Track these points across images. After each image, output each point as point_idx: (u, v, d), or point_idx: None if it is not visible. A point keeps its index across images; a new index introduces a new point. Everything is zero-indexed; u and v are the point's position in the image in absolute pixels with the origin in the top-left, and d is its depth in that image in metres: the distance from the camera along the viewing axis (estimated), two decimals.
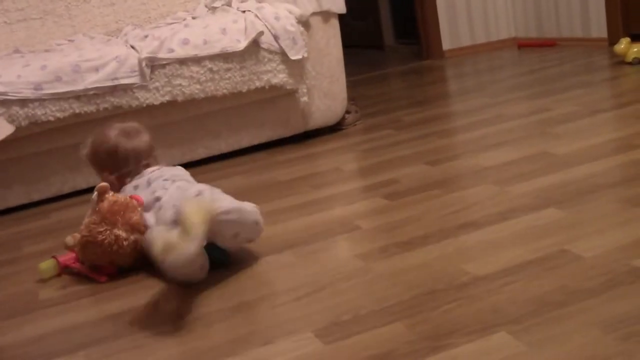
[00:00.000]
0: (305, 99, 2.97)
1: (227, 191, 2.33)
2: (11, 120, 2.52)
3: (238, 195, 2.35)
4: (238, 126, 2.96)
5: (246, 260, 1.80)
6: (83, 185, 2.79)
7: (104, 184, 1.84)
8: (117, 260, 1.81)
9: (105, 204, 1.80)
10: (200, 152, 2.94)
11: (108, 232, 1.77)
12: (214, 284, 1.68)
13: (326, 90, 3.05)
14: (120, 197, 1.85)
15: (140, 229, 1.80)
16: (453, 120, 2.99)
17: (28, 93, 2.54)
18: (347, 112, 3.23)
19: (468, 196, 1.98)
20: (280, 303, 1.52)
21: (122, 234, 1.78)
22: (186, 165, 2.89)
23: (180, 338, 1.44)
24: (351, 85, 3.86)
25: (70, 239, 1.85)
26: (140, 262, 1.82)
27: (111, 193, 1.84)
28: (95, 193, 1.84)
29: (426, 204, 1.97)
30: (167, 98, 2.75)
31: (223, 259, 1.79)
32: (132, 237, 1.79)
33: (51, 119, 2.59)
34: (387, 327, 1.33)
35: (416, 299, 1.43)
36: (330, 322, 1.39)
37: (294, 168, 2.65)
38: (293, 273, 1.67)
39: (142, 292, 1.71)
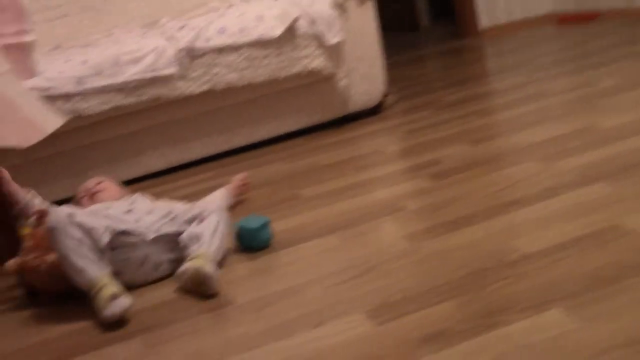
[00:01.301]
0: (343, 83, 2.96)
1: (270, 176, 2.34)
2: None
3: (281, 180, 2.36)
4: (277, 113, 2.96)
5: (292, 244, 1.80)
6: (124, 177, 2.81)
7: (41, 208, 1.83)
8: (54, 285, 1.76)
9: (40, 230, 1.77)
10: (241, 140, 2.95)
11: (41, 258, 1.73)
12: (262, 269, 1.70)
13: (364, 74, 3.04)
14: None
15: None
16: (493, 99, 2.96)
17: (71, 87, 2.57)
18: (386, 94, 3.22)
19: (513, 174, 1.96)
20: (330, 285, 1.52)
21: (54, 260, 1.70)
22: (227, 154, 2.93)
23: (232, 322, 1.45)
24: (389, 68, 3.83)
25: (11, 263, 1.76)
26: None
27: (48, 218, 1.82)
28: (33, 217, 1.83)
29: (471, 183, 1.96)
30: (205, 87, 2.77)
31: (267, 244, 1.80)
32: None
33: (93, 112, 2.62)
34: (437, 306, 1.33)
35: (466, 277, 1.42)
36: (381, 303, 1.39)
37: (335, 152, 2.65)
38: (340, 255, 1.67)
39: None
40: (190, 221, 1.80)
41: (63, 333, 1.59)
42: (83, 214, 1.68)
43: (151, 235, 1.74)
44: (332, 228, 1.86)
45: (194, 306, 1.58)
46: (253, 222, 1.81)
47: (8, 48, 1.70)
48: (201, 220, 1.77)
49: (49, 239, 1.65)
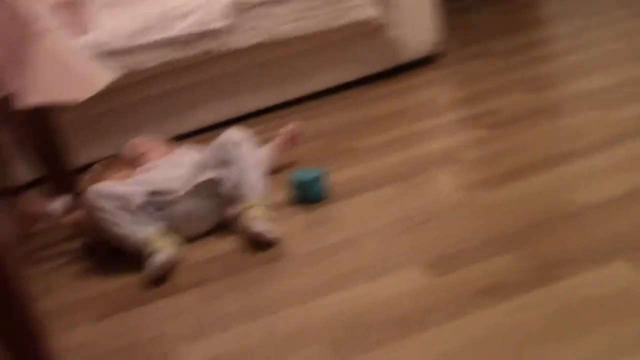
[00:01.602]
0: (395, 32, 2.90)
1: (324, 128, 2.32)
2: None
3: (335, 132, 2.34)
4: (329, 64, 2.93)
5: (348, 196, 1.79)
6: (178, 131, 2.83)
7: (111, 159, 1.84)
8: (108, 242, 1.76)
9: (103, 177, 1.80)
10: (292, 93, 2.93)
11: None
12: (317, 221, 1.69)
13: (417, 22, 2.97)
14: (122, 174, 1.82)
15: None
16: (552, 45, 2.87)
17: (122, 43, 2.58)
18: (440, 42, 3.15)
19: (572, 123, 1.90)
20: (386, 237, 1.51)
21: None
22: (279, 107, 2.92)
23: (288, 275, 1.46)
24: (443, 15, 3.74)
25: (69, 217, 1.82)
26: None
27: (113, 170, 1.84)
28: (98, 165, 1.84)
29: (529, 133, 1.91)
30: (255, 40, 2.74)
31: (322, 196, 1.80)
32: None
33: (145, 67, 2.63)
34: (494, 259, 1.31)
35: (524, 230, 1.39)
36: (437, 256, 1.38)
37: (389, 103, 2.62)
38: (396, 207, 1.66)
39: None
40: (220, 165, 1.78)
41: (118, 286, 1.62)
42: (110, 185, 1.69)
43: (185, 189, 1.76)
44: (388, 179, 1.84)
45: (249, 258, 1.58)
46: (307, 174, 1.81)
47: (60, 5, 1.70)
48: (227, 163, 1.76)
49: (93, 214, 1.68)
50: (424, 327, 1.16)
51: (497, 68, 2.70)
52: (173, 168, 1.84)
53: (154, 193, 1.73)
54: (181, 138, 2.80)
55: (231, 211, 1.73)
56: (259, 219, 1.64)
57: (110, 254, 1.78)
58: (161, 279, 1.58)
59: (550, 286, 1.18)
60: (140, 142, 2.05)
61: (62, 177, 1.81)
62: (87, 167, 2.01)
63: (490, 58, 2.89)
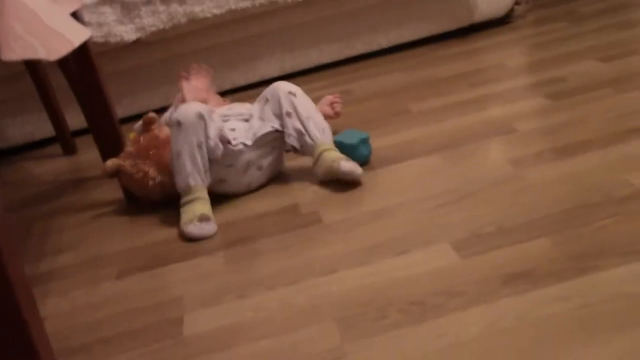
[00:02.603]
0: None
1: (384, 88, 2.23)
2: (170, 18, 2.54)
3: (394, 92, 2.26)
4: (398, 20, 2.82)
5: (392, 162, 1.72)
6: (242, 81, 2.79)
7: (151, 114, 1.78)
8: (147, 195, 1.76)
9: (145, 138, 1.74)
10: (359, 48, 2.84)
11: (138, 166, 1.72)
12: (356, 188, 1.62)
13: None
14: (164, 132, 1.75)
15: (169, 170, 1.70)
16: (638, 10, 2.68)
17: None
18: (517, 2, 2.98)
19: None
20: (422, 210, 1.44)
21: (151, 171, 1.71)
22: (345, 62, 2.84)
23: (318, 242, 1.40)
24: None
25: (110, 163, 1.76)
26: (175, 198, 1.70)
27: (157, 125, 1.78)
28: (140, 122, 1.80)
29: (593, 105, 1.78)
30: None
31: (365, 160, 1.73)
32: (159, 178, 1.72)
33: (209, 15, 2.58)
34: (531, 242, 1.22)
35: (568, 212, 1.29)
36: (471, 234, 1.29)
37: (456, 64, 2.50)
38: (439, 178, 1.57)
39: (289, 193, 1.69)
40: (277, 116, 1.74)
41: (145, 243, 1.60)
42: (210, 117, 1.64)
43: (250, 141, 1.71)
44: (437, 147, 1.75)
45: (284, 222, 1.53)
46: (352, 137, 1.74)
47: None
48: (288, 114, 1.72)
49: (172, 130, 1.64)
50: (442, 312, 1.09)
51: (574, 32, 2.55)
52: (237, 117, 1.80)
53: (228, 142, 1.69)
54: (244, 89, 2.77)
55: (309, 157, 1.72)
56: (340, 159, 1.62)
57: (145, 208, 1.77)
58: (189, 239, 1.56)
59: (583, 278, 1.08)
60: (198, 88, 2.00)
61: (105, 124, 1.78)
62: (138, 117, 1.99)
63: (569, 21, 2.73)
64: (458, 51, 2.68)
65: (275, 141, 1.75)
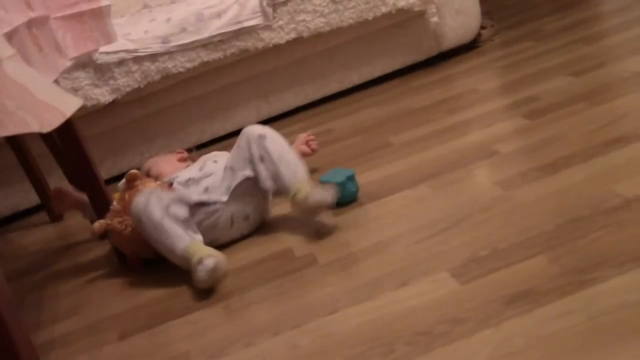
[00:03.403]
0: (435, 19, 2.81)
1: (363, 123, 2.25)
2: (144, 76, 2.56)
3: (374, 127, 2.28)
4: (368, 56, 2.86)
5: (380, 196, 1.73)
6: (221, 132, 2.81)
7: (134, 171, 1.78)
8: (138, 251, 1.76)
9: (129, 194, 1.75)
10: (333, 87, 2.88)
11: (126, 222, 1.72)
12: (347, 225, 1.63)
13: (457, 7, 2.87)
14: (149, 186, 1.77)
15: None
16: (601, 23, 2.74)
17: (157, 47, 2.56)
18: (483, 27, 3.04)
19: (617, 107, 1.79)
20: (416, 241, 1.45)
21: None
22: (321, 101, 2.86)
23: (316, 284, 1.41)
24: None
25: (97, 225, 1.76)
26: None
27: (139, 181, 1.79)
28: (123, 180, 1.80)
29: (570, 120, 1.81)
30: (292, 35, 2.69)
31: (353, 198, 1.74)
32: None
33: (181, 70, 2.61)
34: (528, 261, 1.23)
35: (560, 228, 1.31)
36: (468, 259, 1.30)
37: (429, 93, 2.53)
38: (429, 207, 1.59)
39: (282, 238, 1.69)
40: (249, 162, 1.73)
41: (149, 300, 1.60)
42: (161, 193, 1.65)
43: (226, 196, 1.72)
44: (423, 177, 1.77)
45: (279, 267, 1.54)
46: (337, 175, 1.75)
47: (83, 15, 1.68)
48: (260, 159, 1.71)
49: (136, 225, 1.65)
50: (450, 339, 1.09)
51: (542, 50, 2.59)
52: (206, 177, 1.79)
53: (199, 204, 1.69)
54: (224, 139, 2.78)
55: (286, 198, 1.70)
56: (307, 196, 1.60)
57: (137, 268, 1.77)
58: (206, 289, 1.54)
59: (586, 290, 1.09)
60: (155, 163, 2.04)
61: (91, 188, 1.79)
62: (122, 177, 1.99)
63: (536, 40, 2.78)
64: (430, 80, 2.71)
65: (250, 188, 1.73)
